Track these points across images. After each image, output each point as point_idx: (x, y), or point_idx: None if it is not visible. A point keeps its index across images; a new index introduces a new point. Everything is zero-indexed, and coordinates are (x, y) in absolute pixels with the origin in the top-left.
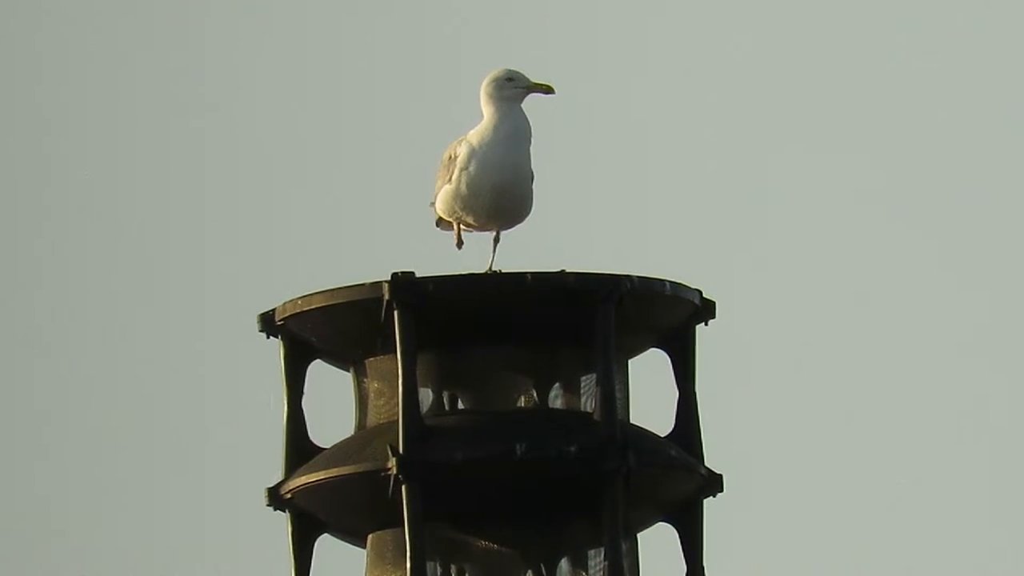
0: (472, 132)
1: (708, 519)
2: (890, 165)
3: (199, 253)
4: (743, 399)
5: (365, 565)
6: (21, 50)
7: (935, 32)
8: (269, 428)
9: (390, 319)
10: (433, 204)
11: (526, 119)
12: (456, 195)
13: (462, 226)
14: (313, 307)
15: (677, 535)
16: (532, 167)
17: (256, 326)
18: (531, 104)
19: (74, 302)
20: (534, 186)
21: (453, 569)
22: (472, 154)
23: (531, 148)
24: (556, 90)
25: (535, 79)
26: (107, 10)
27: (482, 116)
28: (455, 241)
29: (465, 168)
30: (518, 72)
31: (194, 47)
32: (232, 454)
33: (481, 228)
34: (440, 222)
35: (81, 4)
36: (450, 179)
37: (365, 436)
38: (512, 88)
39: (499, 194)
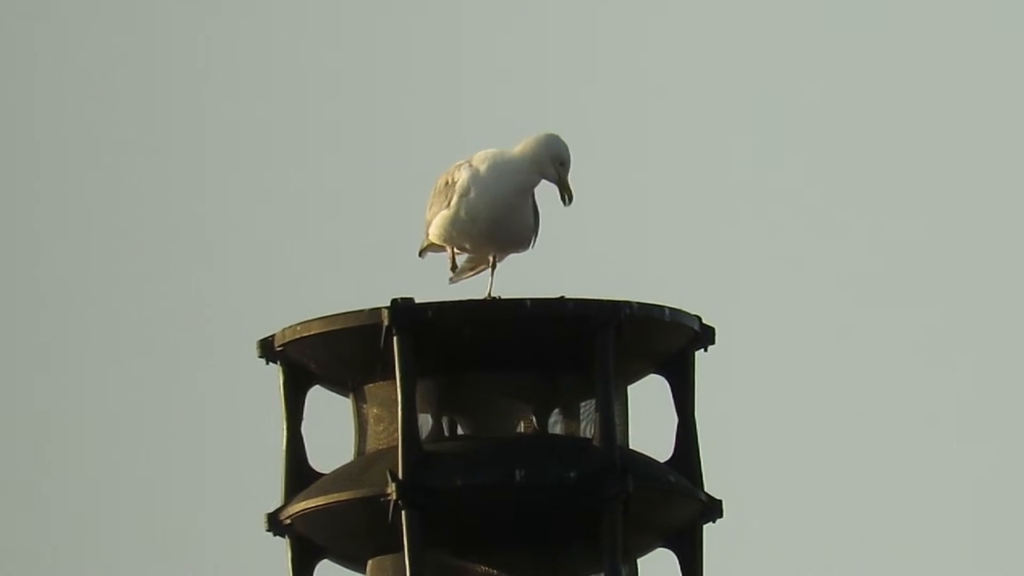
0: (479, 156)
1: (708, 544)
2: (895, 192)
3: (198, 279)
4: (743, 424)
5: None
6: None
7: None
8: (268, 454)
9: (389, 345)
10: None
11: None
12: (454, 220)
13: (456, 251)
14: (312, 333)
15: (677, 560)
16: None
17: (255, 352)
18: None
19: (72, 327)
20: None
21: None
22: (474, 180)
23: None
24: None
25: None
26: (88, 33)
27: (492, 146)
28: (450, 265)
29: (465, 195)
30: (568, 157)
31: (194, 71)
32: (231, 480)
33: (476, 253)
34: (424, 251)
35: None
36: (448, 204)
37: (364, 462)
38: (553, 172)
39: (494, 225)
